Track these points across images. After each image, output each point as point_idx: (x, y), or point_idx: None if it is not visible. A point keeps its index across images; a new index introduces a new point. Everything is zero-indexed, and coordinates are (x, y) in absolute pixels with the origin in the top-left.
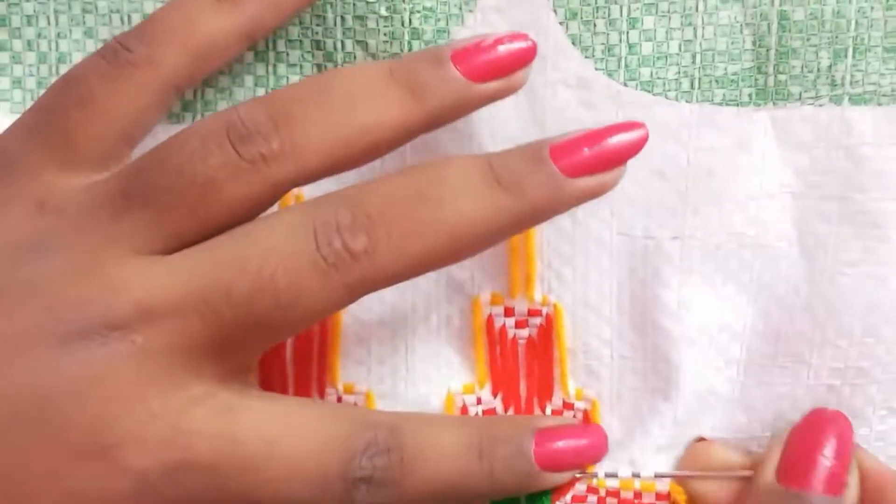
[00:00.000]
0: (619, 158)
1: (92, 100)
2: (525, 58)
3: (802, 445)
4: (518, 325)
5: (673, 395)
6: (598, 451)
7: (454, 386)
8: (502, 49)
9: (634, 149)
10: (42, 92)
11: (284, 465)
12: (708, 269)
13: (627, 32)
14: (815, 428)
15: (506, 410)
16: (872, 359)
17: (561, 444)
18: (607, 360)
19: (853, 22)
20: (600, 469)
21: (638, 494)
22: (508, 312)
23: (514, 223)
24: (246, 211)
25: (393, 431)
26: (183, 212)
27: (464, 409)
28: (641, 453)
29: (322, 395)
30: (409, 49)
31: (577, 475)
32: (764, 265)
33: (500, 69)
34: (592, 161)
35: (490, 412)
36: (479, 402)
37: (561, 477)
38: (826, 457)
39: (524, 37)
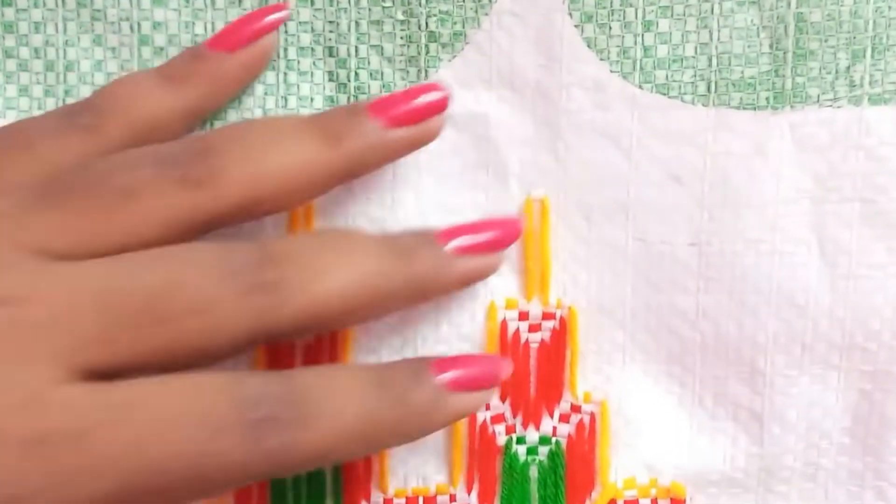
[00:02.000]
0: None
1: (31, 148)
2: (439, 106)
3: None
4: (531, 328)
5: (688, 401)
6: (495, 375)
7: None
8: (418, 100)
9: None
10: (49, 100)
11: (162, 416)
12: (726, 276)
13: (643, 35)
14: None
15: (514, 415)
16: None
17: (459, 370)
18: (619, 363)
19: (871, 22)
20: (618, 476)
21: (654, 501)
22: (523, 316)
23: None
24: (160, 232)
25: (283, 375)
26: (97, 216)
27: (472, 416)
28: (657, 458)
29: None
30: (427, 52)
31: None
32: (783, 273)
33: (415, 117)
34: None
35: (498, 418)
36: (487, 407)
37: (470, 398)
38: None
39: (438, 87)
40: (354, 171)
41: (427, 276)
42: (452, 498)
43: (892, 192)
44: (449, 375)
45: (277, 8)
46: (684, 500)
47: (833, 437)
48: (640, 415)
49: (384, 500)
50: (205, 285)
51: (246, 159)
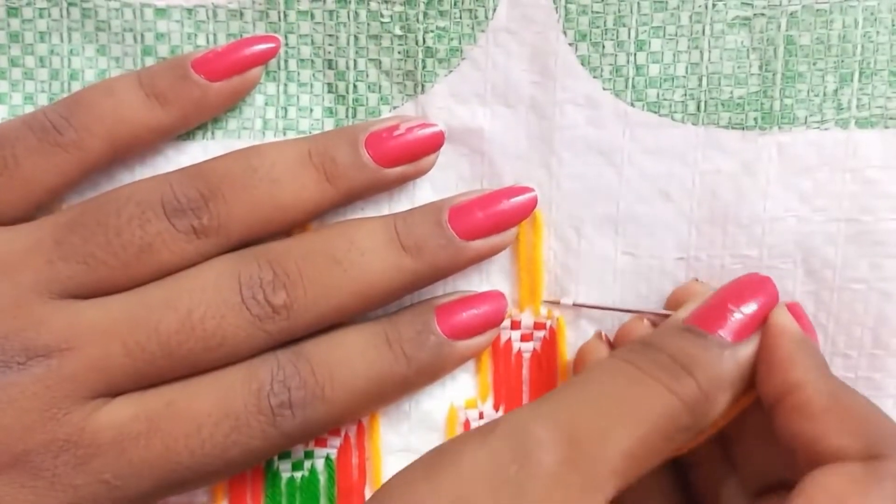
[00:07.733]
0: (510, 221)
1: (16, 168)
2: (433, 144)
3: (720, 297)
4: (523, 338)
5: None
6: (499, 313)
7: (457, 401)
8: (411, 136)
9: (524, 212)
10: None
11: (189, 418)
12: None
13: (635, 54)
14: (739, 285)
15: None
16: (884, 371)
17: (463, 315)
18: None
19: (859, 46)
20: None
21: None
22: (515, 325)
23: (415, 282)
24: (172, 271)
25: (294, 352)
26: (117, 269)
27: (466, 425)
28: None
29: None
30: (424, 67)
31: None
32: None
33: (409, 155)
34: (486, 224)
35: None
36: (481, 416)
37: (476, 342)
38: (736, 309)
39: (433, 125)
40: (348, 203)
41: (439, 267)
42: None
43: (878, 213)
44: (454, 322)
45: (266, 39)
46: None
47: None
48: None
49: None
50: (220, 323)
51: (250, 204)
